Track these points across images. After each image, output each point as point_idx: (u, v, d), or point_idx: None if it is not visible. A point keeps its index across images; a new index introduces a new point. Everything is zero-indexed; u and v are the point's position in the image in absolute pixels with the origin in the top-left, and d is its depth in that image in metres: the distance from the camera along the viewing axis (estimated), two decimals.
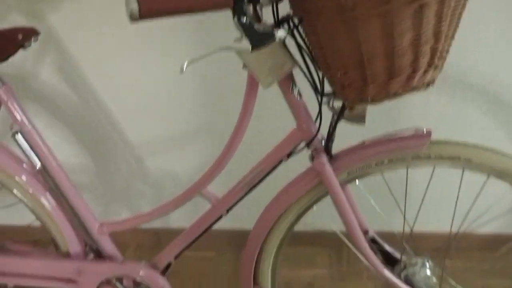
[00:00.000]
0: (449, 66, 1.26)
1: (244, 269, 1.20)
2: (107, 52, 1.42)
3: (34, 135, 1.11)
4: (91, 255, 1.24)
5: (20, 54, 1.41)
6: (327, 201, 1.06)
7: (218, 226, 1.75)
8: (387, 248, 1.18)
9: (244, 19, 0.73)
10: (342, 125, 1.13)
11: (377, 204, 1.24)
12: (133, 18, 0.67)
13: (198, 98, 1.48)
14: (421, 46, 0.77)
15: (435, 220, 1.56)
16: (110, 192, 1.71)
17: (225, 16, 0.89)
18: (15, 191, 1.18)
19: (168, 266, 1.24)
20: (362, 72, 0.79)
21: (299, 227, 1.54)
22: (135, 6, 0.66)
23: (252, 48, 0.77)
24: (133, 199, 1.71)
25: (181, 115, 1.51)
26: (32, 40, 0.99)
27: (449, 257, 1.23)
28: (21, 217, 1.51)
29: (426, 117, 1.46)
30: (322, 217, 1.21)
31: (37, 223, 1.22)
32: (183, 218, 1.63)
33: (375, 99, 0.83)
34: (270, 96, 1.36)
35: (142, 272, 1.21)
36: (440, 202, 1.55)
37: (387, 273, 1.12)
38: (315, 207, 1.11)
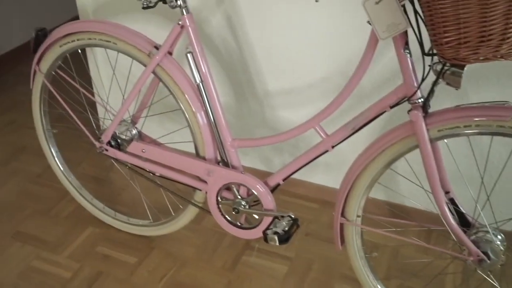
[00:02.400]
0: None
1: (337, 202, 1.43)
2: (266, 8, 1.72)
3: (201, 57, 1.45)
4: (221, 164, 1.57)
5: (199, 2, 1.79)
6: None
7: (324, 182, 2.01)
8: (464, 210, 1.34)
9: None
10: (443, 94, 1.32)
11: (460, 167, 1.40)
12: None
13: (330, 57, 1.73)
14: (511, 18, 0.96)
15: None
16: (240, 131, 2.04)
17: None
18: (179, 101, 1.53)
19: (277, 186, 1.52)
20: (458, 33, 1.00)
21: (399, 200, 1.74)
22: None
23: None
24: None
25: (312, 71, 1.78)
26: None
27: None
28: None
29: None
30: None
31: None
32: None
33: (467, 59, 1.02)
34: (385, 56, 1.59)
35: (257, 185, 1.49)
36: None
37: (459, 232, 1.29)
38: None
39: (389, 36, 1.13)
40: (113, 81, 2.09)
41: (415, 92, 1.20)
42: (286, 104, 1.89)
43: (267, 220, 1.51)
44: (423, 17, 1.08)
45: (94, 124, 1.80)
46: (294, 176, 1.49)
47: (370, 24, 1.14)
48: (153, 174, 1.65)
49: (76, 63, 1.80)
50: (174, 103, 1.55)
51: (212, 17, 1.81)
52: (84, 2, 2.01)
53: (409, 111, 1.22)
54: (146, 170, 1.66)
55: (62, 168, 1.90)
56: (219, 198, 1.57)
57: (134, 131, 1.69)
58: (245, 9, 1.75)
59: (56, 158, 1.89)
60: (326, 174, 1.99)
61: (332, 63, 1.74)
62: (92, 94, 1.84)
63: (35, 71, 1.72)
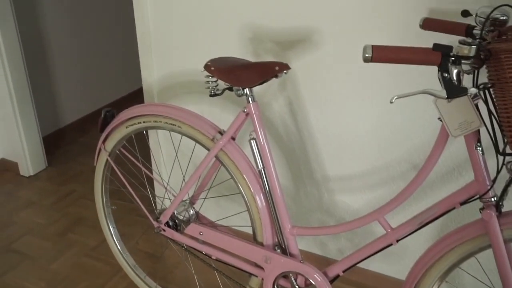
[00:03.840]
0: None
1: None
2: (328, 96, 1.75)
3: (264, 144, 1.46)
4: (278, 250, 1.53)
5: (262, 88, 1.83)
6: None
7: (381, 270, 1.93)
8: None
9: (446, 75, 0.98)
10: None
11: None
12: (366, 61, 0.98)
13: (393, 143, 1.72)
14: None
15: None
16: (297, 214, 2.01)
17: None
18: (239, 185, 1.53)
19: (336, 277, 1.47)
20: None
21: None
22: (369, 53, 0.97)
23: (448, 97, 1.00)
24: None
25: (375, 158, 1.76)
26: (284, 72, 1.35)
27: None
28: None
29: None
30: None
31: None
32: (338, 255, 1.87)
33: None
34: (448, 146, 1.55)
35: (316, 275, 1.45)
36: None
37: None
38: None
39: (462, 134, 1.10)
40: (173, 160, 2.13)
41: (488, 191, 1.16)
42: (345, 189, 1.86)
43: None
44: (497, 117, 1.06)
45: (153, 202, 1.82)
46: None
47: (441, 120, 1.12)
48: (209, 257, 1.63)
49: (138, 142, 1.84)
50: (233, 185, 1.55)
51: (274, 101, 1.84)
52: (150, 83, 2.09)
53: (481, 209, 1.18)
54: (202, 253, 1.65)
55: (118, 245, 1.91)
56: (275, 286, 1.53)
57: (192, 212, 1.70)
58: (306, 95, 1.78)
59: (113, 235, 1.91)
60: (383, 262, 1.92)
61: (395, 151, 1.71)
62: (152, 173, 1.87)
63: (100, 149, 1.77)
